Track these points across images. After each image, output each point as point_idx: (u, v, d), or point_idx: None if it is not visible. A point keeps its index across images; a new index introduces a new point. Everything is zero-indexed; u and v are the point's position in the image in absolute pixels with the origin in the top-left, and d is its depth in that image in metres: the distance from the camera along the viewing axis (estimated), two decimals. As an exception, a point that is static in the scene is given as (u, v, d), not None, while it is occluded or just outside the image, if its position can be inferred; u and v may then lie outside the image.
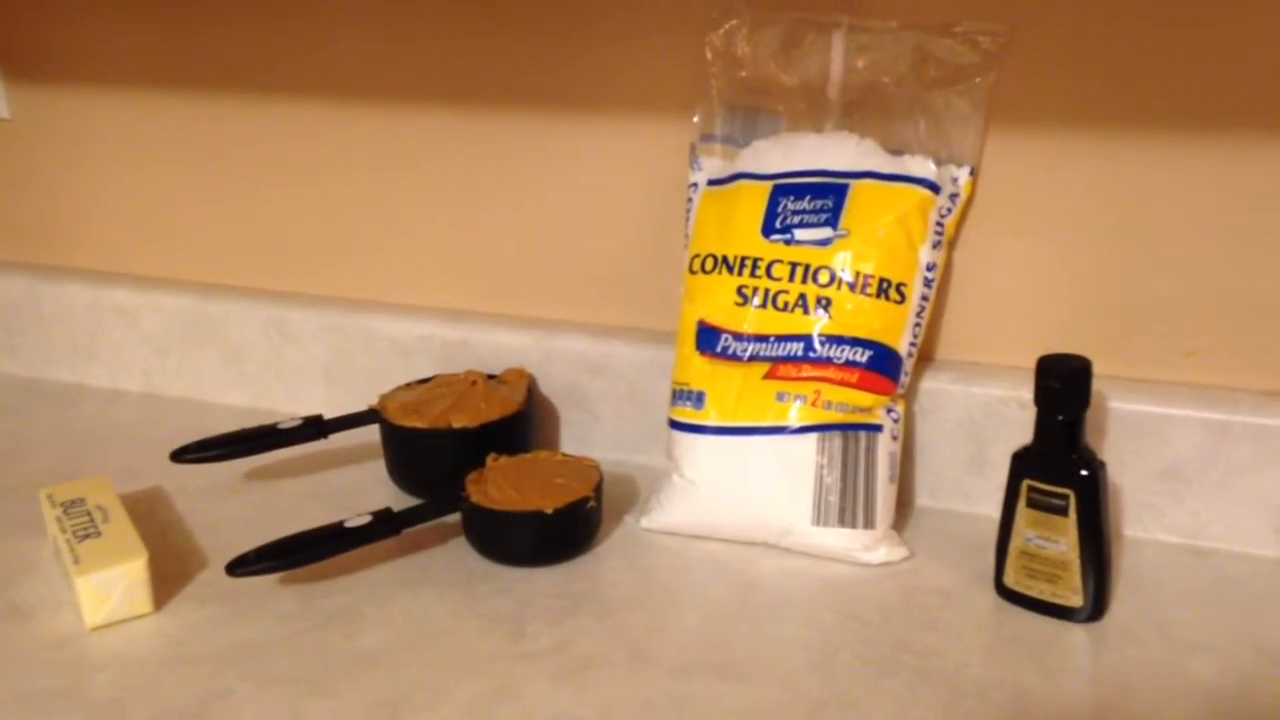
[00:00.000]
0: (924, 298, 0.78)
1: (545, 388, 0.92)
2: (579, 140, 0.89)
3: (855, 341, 0.77)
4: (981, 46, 0.76)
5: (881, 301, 0.77)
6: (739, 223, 0.80)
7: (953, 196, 0.78)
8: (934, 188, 0.78)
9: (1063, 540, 0.69)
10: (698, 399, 0.79)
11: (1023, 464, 0.70)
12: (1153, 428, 0.77)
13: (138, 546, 0.73)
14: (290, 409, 0.99)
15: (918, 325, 0.78)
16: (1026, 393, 0.71)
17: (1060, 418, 0.68)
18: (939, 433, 0.82)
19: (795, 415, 0.77)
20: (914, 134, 0.78)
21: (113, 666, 0.68)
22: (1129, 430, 0.77)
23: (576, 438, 0.92)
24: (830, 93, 0.80)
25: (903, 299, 0.77)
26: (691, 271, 0.81)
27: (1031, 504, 0.70)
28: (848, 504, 0.76)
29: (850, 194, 0.78)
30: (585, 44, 0.86)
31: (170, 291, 1.03)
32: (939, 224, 0.78)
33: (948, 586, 0.74)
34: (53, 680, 0.67)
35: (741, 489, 0.78)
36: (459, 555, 0.78)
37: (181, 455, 0.85)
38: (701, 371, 0.79)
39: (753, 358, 0.78)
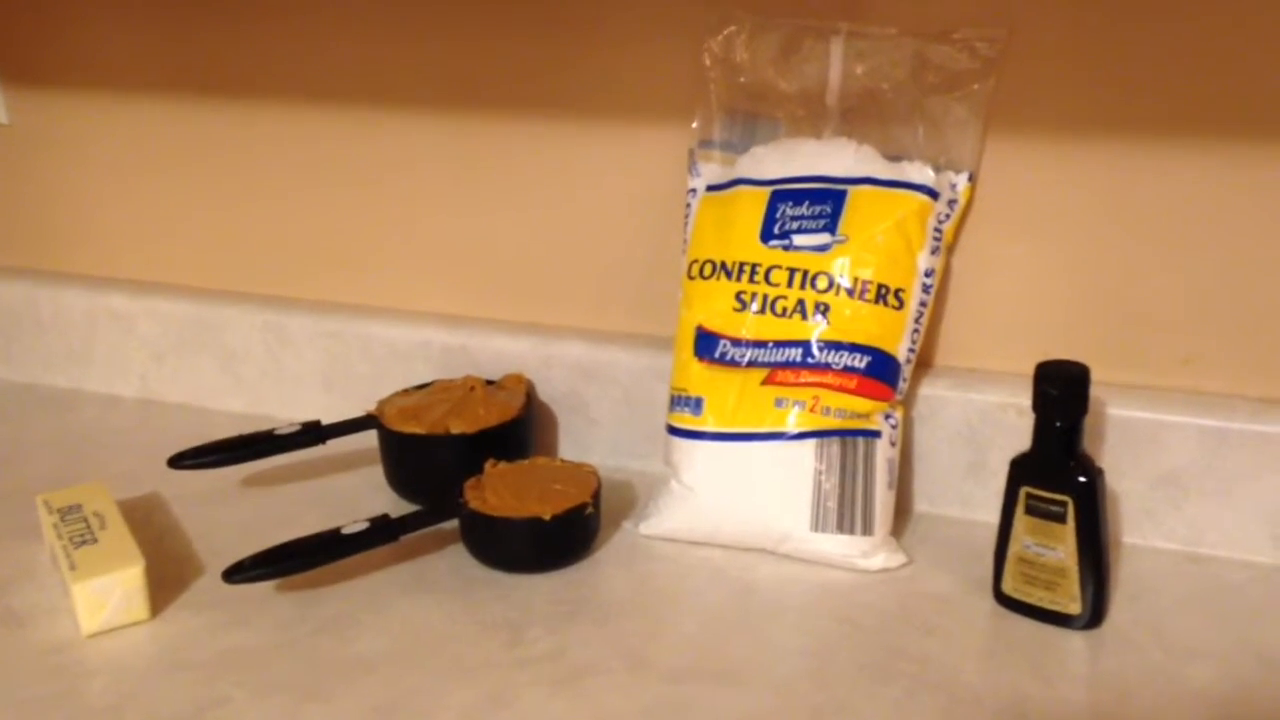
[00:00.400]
0: (922, 304, 0.78)
1: (543, 393, 0.92)
2: (577, 145, 0.89)
3: (854, 347, 0.77)
4: (980, 53, 0.76)
5: (880, 307, 0.77)
6: (737, 228, 0.80)
7: (951, 202, 0.78)
8: (932, 194, 0.78)
9: (1061, 547, 0.69)
10: (696, 405, 0.79)
11: (1021, 471, 0.70)
12: (1151, 434, 0.77)
13: (134, 553, 0.73)
14: (288, 414, 0.99)
15: (916, 331, 0.78)
16: (1025, 399, 0.71)
17: (1058, 424, 0.68)
18: (937, 439, 0.82)
19: (793, 421, 0.77)
20: (912, 140, 0.79)
21: (109, 673, 0.68)
22: (1127, 437, 0.77)
23: (575, 443, 0.92)
24: (829, 99, 0.80)
25: (901, 305, 0.77)
26: (690, 277, 0.81)
27: (1030, 511, 0.70)
28: (846, 510, 0.76)
29: (849, 200, 0.78)
30: (584, 49, 0.86)
31: (167, 297, 1.03)
32: (937, 230, 0.78)
33: (946, 593, 0.74)
34: (49, 686, 0.67)
35: (740, 495, 0.78)
36: (457, 561, 0.78)
37: (179, 461, 0.84)
38: (700, 377, 0.79)
39: (751, 363, 0.78)
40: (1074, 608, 0.69)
